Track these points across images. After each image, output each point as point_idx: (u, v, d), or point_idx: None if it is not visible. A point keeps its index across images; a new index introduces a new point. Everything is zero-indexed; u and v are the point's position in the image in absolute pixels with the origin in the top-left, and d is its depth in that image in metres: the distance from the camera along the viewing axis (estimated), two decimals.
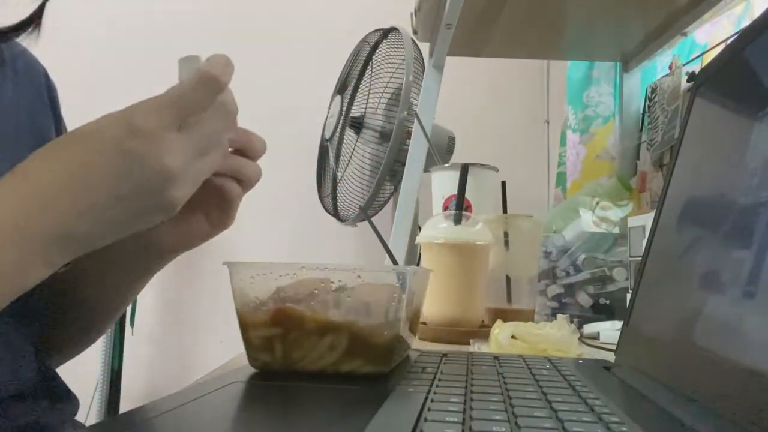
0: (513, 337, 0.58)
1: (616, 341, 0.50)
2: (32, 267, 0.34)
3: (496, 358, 0.48)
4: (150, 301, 1.77)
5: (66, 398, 0.53)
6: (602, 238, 0.91)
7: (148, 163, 0.36)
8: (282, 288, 0.40)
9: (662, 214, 0.46)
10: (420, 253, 0.78)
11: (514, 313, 0.80)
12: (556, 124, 1.70)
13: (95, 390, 1.51)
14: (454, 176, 0.84)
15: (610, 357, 0.50)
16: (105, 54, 1.85)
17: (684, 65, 1.05)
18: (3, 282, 0.34)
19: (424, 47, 1.24)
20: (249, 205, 2.06)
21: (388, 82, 1.41)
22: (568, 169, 1.47)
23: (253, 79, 1.85)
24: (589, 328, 0.78)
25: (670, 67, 1.09)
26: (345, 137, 1.50)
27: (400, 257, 1.03)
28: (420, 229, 0.79)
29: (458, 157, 1.36)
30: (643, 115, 1.21)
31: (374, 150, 1.39)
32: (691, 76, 1.02)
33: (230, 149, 0.45)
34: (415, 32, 1.17)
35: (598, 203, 0.99)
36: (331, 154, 1.51)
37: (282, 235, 1.81)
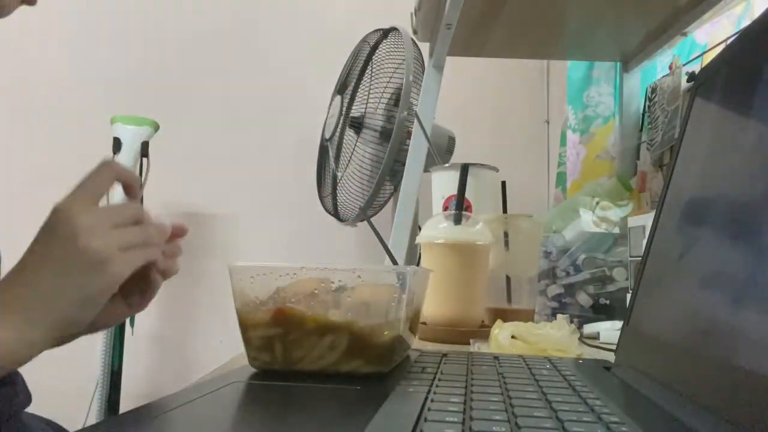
0: (513, 337, 0.58)
1: (616, 341, 0.50)
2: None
3: (496, 358, 0.48)
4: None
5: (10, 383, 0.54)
6: (602, 238, 0.91)
7: (68, 237, 0.44)
8: (282, 288, 0.40)
9: (662, 214, 0.46)
10: (420, 253, 0.78)
11: (514, 313, 0.80)
12: (556, 124, 1.70)
13: (95, 390, 1.51)
14: (454, 176, 0.84)
15: (610, 357, 0.50)
16: (106, 54, 1.85)
17: (684, 65, 1.05)
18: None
19: (424, 47, 1.24)
20: (249, 205, 2.07)
21: (388, 82, 1.41)
22: (568, 169, 1.47)
23: (253, 79, 1.86)
24: (589, 328, 0.78)
25: (670, 67, 1.09)
26: (345, 137, 1.50)
27: (400, 257, 1.03)
28: (420, 229, 0.79)
29: (458, 157, 1.36)
30: (643, 115, 1.21)
31: (374, 150, 1.39)
32: (691, 76, 1.02)
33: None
34: (415, 32, 1.17)
35: (598, 203, 0.99)
36: (331, 154, 1.51)
37: (282, 235, 1.81)
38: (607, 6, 1.00)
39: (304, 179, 1.74)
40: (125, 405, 1.55)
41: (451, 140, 1.41)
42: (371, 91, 1.44)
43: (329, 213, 1.56)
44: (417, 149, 1.08)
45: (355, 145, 1.43)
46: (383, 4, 1.73)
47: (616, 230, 0.94)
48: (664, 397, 0.34)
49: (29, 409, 0.57)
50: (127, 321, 1.60)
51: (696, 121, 0.44)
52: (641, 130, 1.21)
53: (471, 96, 1.81)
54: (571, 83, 1.46)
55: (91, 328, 0.47)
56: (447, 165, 1.01)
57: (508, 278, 0.82)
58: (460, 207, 0.76)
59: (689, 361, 0.33)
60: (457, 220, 0.75)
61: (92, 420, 1.49)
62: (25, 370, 0.55)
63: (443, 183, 0.99)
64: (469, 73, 1.75)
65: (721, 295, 0.32)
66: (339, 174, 1.48)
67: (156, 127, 1.62)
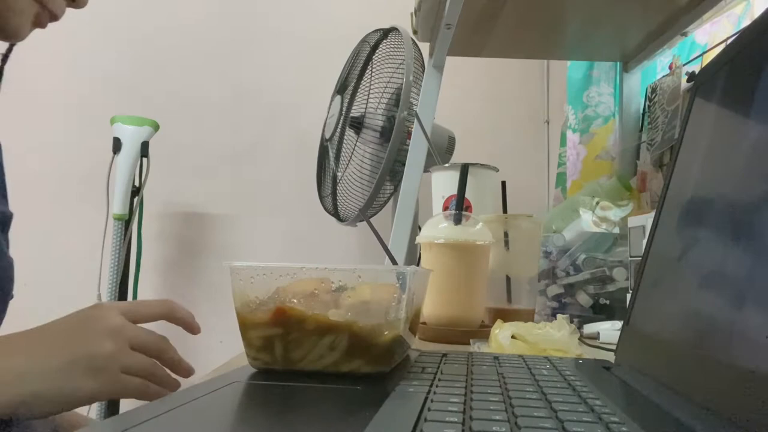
0: (513, 337, 0.58)
1: (616, 341, 0.50)
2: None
3: (496, 358, 0.48)
4: None
5: None
6: (602, 238, 0.91)
7: (93, 321, 0.47)
8: (282, 288, 0.40)
9: (662, 214, 0.46)
10: (420, 253, 0.78)
11: (514, 313, 0.80)
12: (556, 124, 1.70)
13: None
14: (454, 176, 0.84)
15: (610, 357, 0.50)
16: (106, 54, 1.85)
17: (684, 65, 1.05)
18: None
19: (424, 47, 1.24)
20: (249, 205, 2.07)
21: (388, 82, 1.41)
22: (568, 169, 1.46)
23: (254, 79, 1.86)
24: (589, 328, 0.78)
25: (670, 67, 1.09)
26: (345, 137, 1.50)
27: (400, 257, 1.03)
28: (420, 229, 0.79)
29: (458, 157, 1.37)
30: (643, 115, 1.21)
31: (374, 150, 1.39)
32: (691, 76, 1.02)
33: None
34: (415, 32, 1.17)
35: (598, 203, 0.99)
36: (331, 154, 1.51)
37: (282, 235, 1.81)
38: (607, 6, 1.00)
39: (304, 179, 1.74)
40: (125, 405, 1.55)
41: (451, 140, 1.41)
42: (371, 91, 1.44)
43: (329, 213, 1.56)
44: (417, 149, 1.08)
45: (355, 145, 1.43)
46: (383, 4, 1.73)
47: (616, 230, 0.94)
48: (664, 397, 0.34)
49: None
50: None
51: (696, 121, 0.44)
52: (641, 130, 1.21)
53: (471, 96, 1.81)
54: (571, 83, 1.46)
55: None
56: (447, 165, 1.01)
57: (508, 278, 0.82)
58: (460, 207, 0.76)
59: (689, 361, 0.34)
60: (457, 220, 0.75)
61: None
62: None
63: (443, 183, 0.99)
64: (469, 73, 1.75)
65: (721, 295, 0.32)
66: (339, 174, 1.48)
67: (156, 127, 1.62)
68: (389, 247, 1.04)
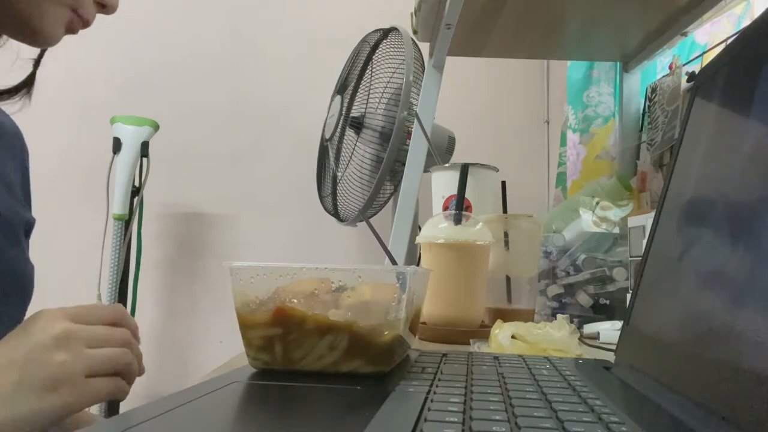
0: (513, 337, 0.58)
1: (616, 341, 0.50)
2: None
3: (496, 358, 0.48)
4: (150, 301, 1.77)
5: None
6: (602, 238, 0.91)
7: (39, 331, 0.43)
8: (282, 288, 0.40)
9: (662, 214, 0.46)
10: (420, 253, 0.78)
11: (514, 313, 0.80)
12: (556, 124, 1.70)
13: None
14: (454, 176, 0.84)
15: (610, 357, 0.50)
16: (106, 54, 1.85)
17: (684, 65, 1.05)
18: None
19: (424, 47, 1.24)
20: (249, 205, 2.06)
21: (388, 82, 1.41)
22: (568, 169, 1.47)
23: (254, 79, 1.86)
24: (589, 328, 0.78)
25: (670, 67, 1.09)
26: (345, 137, 1.50)
27: (400, 257, 1.03)
28: (420, 229, 0.79)
29: (458, 157, 1.37)
30: (643, 115, 1.21)
31: (374, 150, 1.39)
32: (691, 76, 1.02)
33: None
34: (415, 32, 1.17)
35: (598, 203, 0.99)
36: (331, 154, 1.51)
37: (282, 236, 1.81)
38: (607, 6, 1.00)
39: (304, 179, 1.74)
40: (125, 405, 1.55)
41: (451, 140, 1.41)
42: (371, 91, 1.44)
43: (329, 213, 1.56)
44: (417, 149, 1.08)
45: (355, 145, 1.43)
46: (383, 4, 1.73)
47: (616, 230, 0.94)
48: (664, 397, 0.34)
49: None
50: None
51: (696, 121, 0.44)
52: (641, 130, 1.21)
53: (471, 96, 1.81)
54: (571, 83, 1.46)
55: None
56: (447, 165, 1.01)
57: (508, 278, 0.82)
58: (460, 207, 0.76)
59: (689, 361, 0.33)
60: (457, 220, 0.75)
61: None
62: None
63: (443, 183, 0.99)
64: (469, 73, 1.75)
65: (721, 295, 0.32)
66: (339, 174, 1.48)
67: (156, 127, 1.62)
68: (389, 247, 1.04)
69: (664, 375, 0.37)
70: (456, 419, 0.27)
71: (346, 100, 1.49)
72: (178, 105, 1.83)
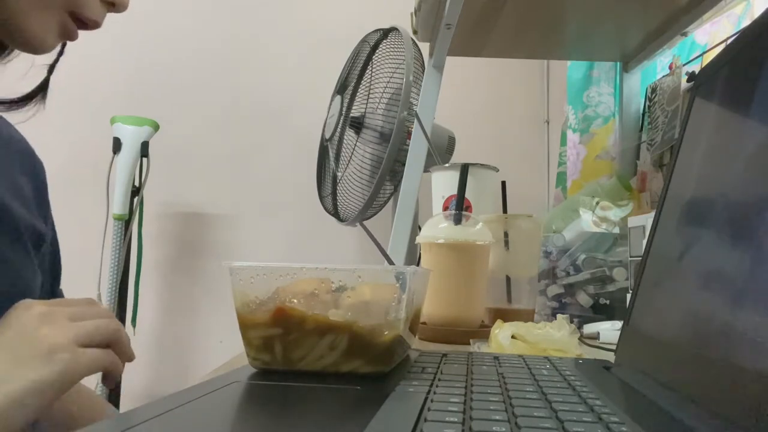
0: (513, 337, 0.58)
1: (616, 341, 0.50)
2: None
3: (496, 358, 0.48)
4: (150, 301, 1.77)
5: None
6: (602, 238, 0.91)
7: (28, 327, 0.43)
8: (282, 288, 0.40)
9: (662, 214, 0.46)
10: (420, 253, 0.78)
11: (514, 313, 0.80)
12: (556, 124, 1.70)
13: (95, 390, 1.51)
14: (454, 176, 0.84)
15: (610, 357, 0.50)
16: (106, 54, 1.85)
17: (684, 65, 1.05)
18: None
19: (424, 47, 1.24)
20: (249, 205, 2.06)
21: (388, 82, 1.41)
22: (568, 169, 1.47)
23: (254, 79, 1.86)
24: (589, 328, 0.78)
25: (670, 67, 1.09)
26: (345, 137, 1.50)
27: (400, 257, 1.03)
28: (420, 229, 0.79)
29: (458, 157, 1.37)
30: (643, 115, 1.21)
31: (374, 150, 1.39)
32: (691, 76, 1.02)
33: None
34: (415, 32, 1.17)
35: (598, 203, 0.99)
36: (331, 154, 1.51)
37: (282, 235, 1.81)
38: (607, 6, 1.00)
39: (304, 179, 1.75)
40: (125, 405, 1.55)
41: (451, 140, 1.41)
42: (371, 91, 1.44)
43: (329, 213, 1.56)
44: (417, 149, 1.08)
45: (355, 145, 1.43)
46: (383, 4, 1.73)
47: (616, 230, 0.94)
48: (664, 397, 0.34)
49: None
50: (128, 321, 1.60)
51: (696, 121, 0.44)
52: (641, 130, 1.21)
53: (471, 96, 1.81)
54: (571, 83, 1.46)
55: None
56: (447, 165, 1.01)
57: (508, 278, 0.82)
58: (460, 207, 0.76)
59: (689, 361, 0.33)
60: (457, 220, 0.75)
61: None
62: None
63: (443, 183, 0.99)
64: (469, 73, 1.75)
65: (721, 295, 0.32)
66: (339, 174, 1.48)
67: (156, 127, 1.62)
68: (390, 247, 1.05)
69: (664, 375, 0.37)
70: (456, 419, 0.27)
71: (346, 100, 1.49)
72: (178, 105, 1.83)
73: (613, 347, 0.50)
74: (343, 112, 1.47)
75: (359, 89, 1.49)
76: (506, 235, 0.83)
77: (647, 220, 0.79)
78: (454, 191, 0.79)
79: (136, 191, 1.61)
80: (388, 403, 0.31)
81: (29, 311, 0.44)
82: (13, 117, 0.60)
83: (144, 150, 1.59)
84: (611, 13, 1.03)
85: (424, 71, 1.28)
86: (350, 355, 0.39)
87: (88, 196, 1.68)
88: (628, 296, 0.79)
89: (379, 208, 1.44)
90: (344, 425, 0.28)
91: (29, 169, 0.62)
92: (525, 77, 1.83)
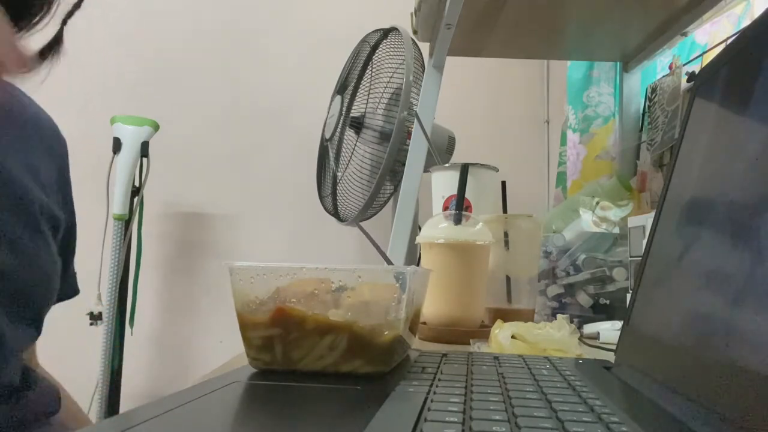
0: (513, 337, 0.58)
1: (616, 341, 0.50)
2: None
3: (496, 358, 0.48)
4: (150, 301, 1.77)
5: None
6: (602, 238, 0.91)
7: None
8: (282, 288, 0.40)
9: (662, 214, 0.46)
10: (420, 253, 0.78)
11: (514, 313, 0.80)
12: (556, 124, 1.70)
13: (95, 390, 1.51)
14: (454, 176, 0.84)
15: (610, 357, 0.50)
16: (106, 54, 1.85)
17: (684, 65, 1.05)
18: None
19: (424, 47, 1.24)
20: (249, 205, 2.06)
21: (388, 82, 1.41)
22: (568, 169, 1.47)
23: (254, 79, 1.86)
24: (589, 328, 0.78)
25: (670, 67, 1.09)
26: (345, 137, 1.50)
27: (400, 257, 1.03)
28: (420, 229, 0.79)
29: (458, 157, 1.37)
30: (643, 115, 1.21)
31: (374, 150, 1.39)
32: (691, 76, 1.02)
33: None
34: (415, 32, 1.17)
35: (598, 203, 0.99)
36: (331, 154, 1.51)
37: (282, 235, 1.81)
38: (607, 6, 1.00)
39: (304, 179, 1.75)
40: (125, 405, 1.55)
41: (451, 140, 1.41)
42: (371, 91, 1.44)
43: (329, 213, 1.56)
44: (417, 149, 1.08)
45: (355, 145, 1.43)
46: (383, 4, 1.73)
47: (616, 230, 0.94)
48: (664, 397, 0.34)
49: None
50: (127, 321, 1.60)
51: (696, 121, 0.44)
52: (641, 130, 1.21)
53: (471, 96, 1.81)
54: (571, 83, 1.46)
55: None
56: (447, 165, 1.01)
57: (508, 278, 0.82)
58: (460, 207, 0.76)
59: (689, 361, 0.33)
60: (457, 220, 0.75)
61: (92, 420, 1.49)
62: None
63: (443, 183, 0.99)
64: (469, 73, 1.75)
65: (721, 295, 0.32)
66: (339, 174, 1.48)
67: (156, 127, 1.62)
68: (390, 247, 1.05)
69: (664, 375, 0.37)
70: (456, 419, 0.27)
71: (346, 100, 1.49)
72: (178, 105, 1.83)
73: (613, 347, 0.50)
74: (343, 112, 1.47)
75: (359, 89, 1.49)
76: (506, 235, 0.83)
77: (647, 220, 0.79)
78: (454, 191, 0.79)
79: (136, 191, 1.60)
80: (388, 403, 0.31)
81: None
82: (25, 86, 0.57)
83: (144, 150, 1.59)
84: (611, 13, 1.03)
85: (424, 71, 1.28)
86: (350, 355, 0.39)
87: (88, 196, 1.67)
88: (628, 296, 0.79)
89: (379, 208, 1.44)
90: (344, 425, 0.28)
91: (53, 150, 0.61)
92: (525, 77, 1.83)
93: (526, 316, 0.80)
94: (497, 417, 0.28)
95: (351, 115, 1.46)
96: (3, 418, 0.50)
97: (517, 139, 1.81)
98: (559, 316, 0.62)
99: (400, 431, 0.25)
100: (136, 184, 1.61)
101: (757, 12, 0.89)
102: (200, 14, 1.87)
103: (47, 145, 0.60)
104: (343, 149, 1.50)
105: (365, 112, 1.43)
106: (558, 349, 0.57)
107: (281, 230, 1.81)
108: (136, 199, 1.60)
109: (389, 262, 0.65)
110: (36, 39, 0.51)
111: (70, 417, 0.61)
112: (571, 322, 0.73)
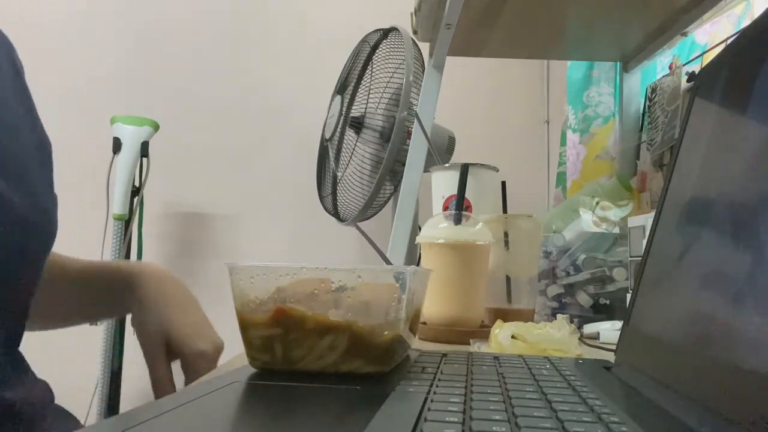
0: (513, 337, 0.58)
1: (616, 341, 0.50)
2: None
3: (496, 358, 0.48)
4: None
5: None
6: (602, 238, 0.91)
7: None
8: (282, 288, 0.40)
9: (662, 214, 0.46)
10: (420, 253, 0.78)
11: (514, 313, 0.80)
12: (556, 124, 1.70)
13: (95, 390, 1.51)
14: (454, 176, 0.84)
15: (610, 357, 0.50)
16: (106, 54, 1.85)
17: (684, 65, 1.05)
18: None
19: (424, 47, 1.24)
20: (249, 205, 2.06)
21: (388, 82, 1.41)
22: (568, 169, 1.47)
23: (254, 79, 1.86)
24: (589, 328, 0.78)
25: (670, 67, 1.09)
26: (345, 137, 1.50)
27: (400, 257, 1.03)
28: (420, 229, 0.79)
29: (458, 157, 1.37)
30: (643, 115, 1.21)
31: (374, 150, 1.39)
32: (691, 76, 1.02)
33: None
34: (415, 32, 1.17)
35: (598, 203, 0.99)
36: (331, 154, 1.51)
37: (282, 235, 1.81)
38: (607, 6, 1.00)
39: (304, 179, 1.74)
40: (125, 405, 1.55)
41: (451, 140, 1.41)
42: (371, 91, 1.44)
43: (329, 213, 1.56)
44: (417, 149, 1.08)
45: (355, 145, 1.43)
46: (383, 4, 1.73)
47: (616, 230, 0.94)
48: (664, 397, 0.34)
49: None
50: (128, 321, 1.60)
51: (696, 121, 0.44)
52: (641, 130, 1.21)
53: (471, 96, 1.81)
54: (571, 83, 1.46)
55: None
56: (447, 165, 1.01)
57: (508, 278, 0.82)
58: (460, 207, 0.76)
59: (689, 361, 0.33)
60: (457, 220, 0.75)
61: (92, 420, 1.49)
62: None
63: (443, 183, 0.99)
64: (469, 73, 1.75)
65: (721, 295, 0.32)
66: (339, 174, 1.48)
67: (156, 127, 1.62)
68: (390, 247, 1.05)
69: (664, 375, 0.37)
70: (456, 419, 0.27)
71: (346, 100, 1.49)
72: (178, 105, 1.83)
73: (613, 347, 0.50)
74: (343, 112, 1.47)
75: (359, 89, 1.49)
76: (506, 235, 0.83)
77: (647, 220, 0.79)
78: (454, 191, 0.79)
79: (136, 191, 1.61)
80: (388, 403, 0.31)
81: None
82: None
83: (144, 150, 1.59)
84: (611, 13, 1.03)
85: (424, 71, 1.28)
86: (350, 355, 0.39)
87: (88, 196, 1.68)
88: (628, 296, 0.79)
89: (379, 208, 1.44)
90: (344, 425, 0.28)
91: (4, 66, 0.56)
92: (525, 77, 1.83)
93: (526, 316, 0.80)
94: (497, 417, 0.28)
95: (351, 115, 1.46)
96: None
97: (517, 139, 1.81)
98: (559, 316, 0.62)
99: (400, 431, 0.25)
100: (136, 184, 1.61)
101: (757, 12, 0.89)
102: (200, 15, 1.87)
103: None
104: (343, 149, 1.50)
105: (365, 112, 1.43)
106: (558, 349, 0.57)
107: (281, 230, 1.81)
108: (136, 199, 1.60)
109: (388, 262, 0.65)
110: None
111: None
112: (571, 322, 0.73)
